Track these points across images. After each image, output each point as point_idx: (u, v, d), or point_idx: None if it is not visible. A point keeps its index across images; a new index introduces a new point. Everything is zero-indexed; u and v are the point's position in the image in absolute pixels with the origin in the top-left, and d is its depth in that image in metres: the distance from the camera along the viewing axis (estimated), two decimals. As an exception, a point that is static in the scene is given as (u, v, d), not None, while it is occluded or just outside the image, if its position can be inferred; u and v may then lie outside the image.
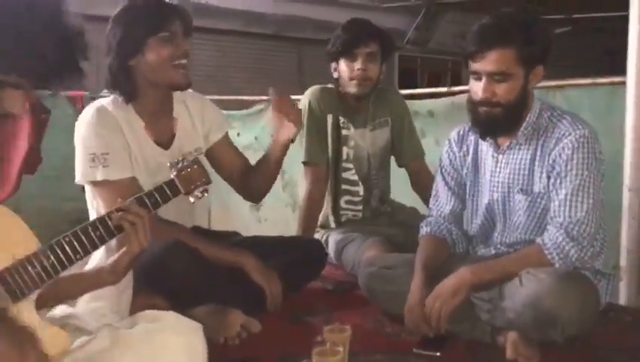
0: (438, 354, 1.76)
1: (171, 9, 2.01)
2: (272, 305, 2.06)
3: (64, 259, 1.28)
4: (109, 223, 1.37)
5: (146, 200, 1.47)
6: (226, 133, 2.28)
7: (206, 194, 1.63)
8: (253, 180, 2.24)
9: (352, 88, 2.60)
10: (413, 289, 1.89)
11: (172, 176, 1.55)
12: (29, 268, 1.23)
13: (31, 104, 3.67)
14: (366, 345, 1.81)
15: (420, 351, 1.78)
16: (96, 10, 3.03)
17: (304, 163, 2.67)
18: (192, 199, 1.60)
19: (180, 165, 1.57)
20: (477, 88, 1.85)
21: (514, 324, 1.74)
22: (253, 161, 2.30)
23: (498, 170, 1.96)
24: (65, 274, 1.33)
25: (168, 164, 1.57)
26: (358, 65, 2.55)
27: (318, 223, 2.73)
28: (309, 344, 1.55)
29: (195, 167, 1.59)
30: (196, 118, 2.19)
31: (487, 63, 1.80)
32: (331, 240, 2.64)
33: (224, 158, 2.25)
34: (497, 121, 1.86)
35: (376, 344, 1.88)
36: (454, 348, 1.81)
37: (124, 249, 1.42)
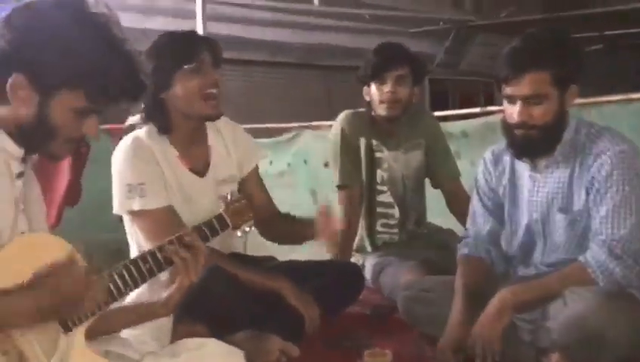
0: None
1: (199, 40, 2.05)
2: (310, 329, 2.05)
3: (114, 292, 1.30)
4: (159, 256, 1.38)
5: (182, 240, 1.47)
6: (256, 166, 2.28)
7: (252, 229, 1.65)
8: (276, 229, 2.23)
9: (382, 111, 2.61)
10: (454, 312, 1.86)
11: (221, 211, 1.57)
12: None
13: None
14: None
15: None
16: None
17: (338, 187, 2.68)
18: (239, 233, 1.62)
19: (228, 199, 1.59)
20: (512, 111, 1.82)
21: (558, 345, 1.69)
22: (285, 189, 2.30)
23: (536, 189, 1.93)
24: (113, 307, 1.36)
25: (218, 197, 1.59)
26: (387, 88, 2.57)
27: (354, 247, 2.72)
28: (349, 369, 1.54)
29: (243, 201, 1.62)
30: (230, 145, 2.21)
31: (521, 88, 1.77)
32: (368, 264, 2.63)
33: (252, 191, 2.22)
34: (535, 144, 1.83)
35: (417, 368, 1.86)
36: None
37: (176, 284, 1.43)
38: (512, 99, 1.82)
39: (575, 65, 1.81)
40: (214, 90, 2.03)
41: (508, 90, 1.81)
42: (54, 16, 1.22)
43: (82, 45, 1.21)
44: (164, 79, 2.00)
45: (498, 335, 1.75)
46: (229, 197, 1.59)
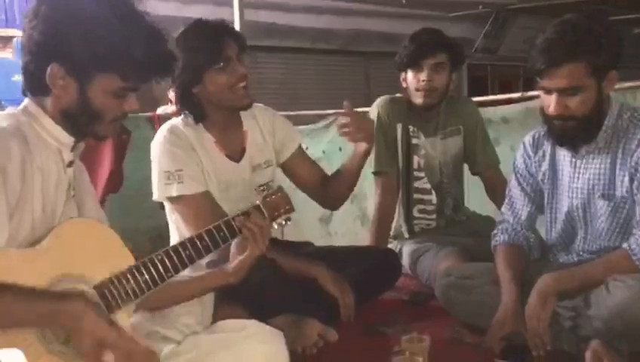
0: None
1: (224, 35, 2.05)
2: (346, 315, 2.07)
3: (156, 275, 1.34)
4: (234, 225, 1.51)
5: (233, 224, 1.53)
6: (299, 145, 2.31)
7: (289, 223, 1.67)
8: (334, 189, 2.28)
9: (418, 99, 2.58)
10: (507, 304, 1.83)
11: (258, 202, 1.60)
12: (125, 281, 1.30)
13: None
14: (445, 356, 1.79)
15: (501, 361, 1.73)
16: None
17: (374, 173, 2.68)
18: (275, 226, 1.64)
19: (265, 191, 1.62)
20: (549, 102, 1.78)
21: (601, 333, 1.67)
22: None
23: (577, 175, 1.89)
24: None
25: (254, 190, 1.62)
26: (423, 76, 2.54)
27: (391, 234, 2.72)
28: (387, 354, 1.55)
29: (280, 194, 1.64)
30: (266, 131, 2.23)
31: (557, 80, 1.73)
32: (405, 250, 2.62)
33: (301, 171, 2.29)
34: (574, 134, 1.80)
35: (455, 355, 1.85)
36: (538, 357, 1.75)
37: (248, 252, 1.55)
38: (548, 91, 1.78)
39: (613, 52, 1.75)
40: (243, 84, 2.06)
41: (544, 82, 1.77)
42: (78, 2, 1.27)
43: (108, 28, 1.26)
44: (193, 76, 2.03)
45: (546, 323, 1.74)
46: (265, 189, 1.61)
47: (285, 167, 2.29)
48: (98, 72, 1.28)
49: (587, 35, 1.72)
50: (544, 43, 1.75)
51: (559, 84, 1.73)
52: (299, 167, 2.28)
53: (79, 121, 1.32)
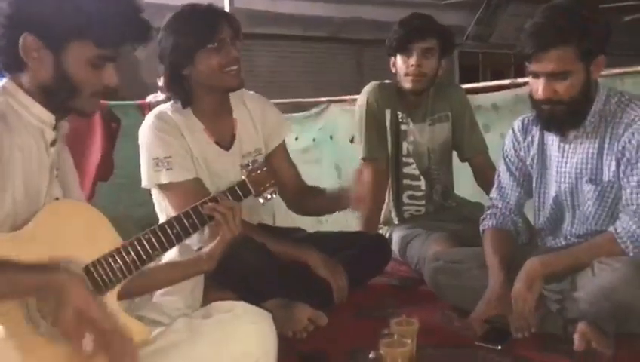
0: (499, 347, 1.73)
1: (219, 17, 2.03)
2: (339, 298, 2.08)
3: (144, 255, 1.35)
4: (201, 212, 1.46)
5: (219, 200, 1.52)
6: (283, 140, 2.29)
7: (275, 196, 1.67)
8: (310, 205, 2.25)
9: (407, 84, 2.58)
10: (493, 287, 1.85)
11: (243, 178, 1.60)
12: (112, 262, 1.30)
13: (102, 114, 3.91)
14: (433, 339, 1.81)
15: (482, 343, 1.76)
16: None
17: (364, 159, 2.68)
18: (261, 200, 1.64)
19: (250, 167, 1.62)
20: (537, 87, 1.79)
21: (587, 315, 1.69)
22: (310, 164, 2.31)
23: (565, 160, 1.91)
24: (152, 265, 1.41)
25: (239, 166, 1.61)
26: (412, 61, 2.53)
27: (381, 219, 2.73)
28: (376, 337, 1.56)
29: (265, 169, 1.64)
30: (257, 119, 2.22)
31: (545, 64, 1.74)
32: (395, 236, 2.63)
33: (278, 166, 2.23)
34: (562, 118, 1.81)
35: (443, 338, 1.87)
36: (523, 340, 1.77)
37: (219, 237, 1.52)
38: (536, 75, 1.79)
39: (601, 36, 1.76)
40: (235, 67, 2.04)
41: (532, 66, 1.78)
42: None
43: None
44: (184, 57, 2.01)
45: (531, 306, 1.76)
46: (250, 165, 1.61)
47: (266, 159, 2.26)
48: (72, 39, 1.26)
49: (575, 19, 1.73)
50: (533, 27, 1.76)
51: (548, 68, 1.74)
52: (277, 162, 2.23)
53: (58, 95, 1.30)
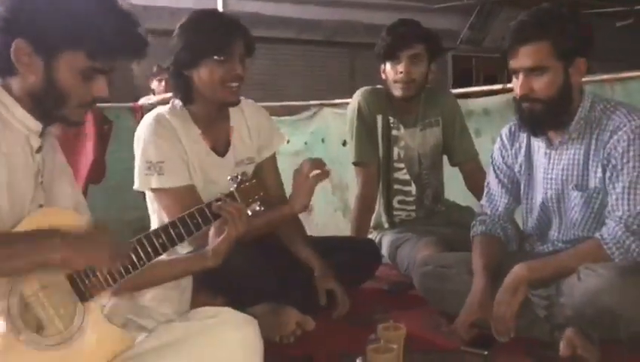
0: (485, 352, 1.73)
1: (235, 30, 2.02)
2: (341, 313, 2.11)
3: (135, 260, 1.34)
4: (208, 211, 1.50)
5: (206, 211, 1.53)
6: (274, 153, 2.29)
7: (262, 208, 1.68)
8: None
9: (396, 91, 2.59)
10: (475, 293, 1.87)
11: (231, 189, 1.61)
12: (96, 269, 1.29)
13: (94, 116, 3.90)
14: (421, 344, 1.81)
15: (468, 349, 1.76)
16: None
17: (355, 163, 2.69)
18: (249, 212, 1.65)
19: (239, 178, 1.63)
20: (516, 85, 1.82)
21: (573, 321, 1.70)
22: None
23: (551, 166, 1.92)
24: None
25: (228, 178, 1.62)
26: (400, 67, 2.54)
27: (372, 224, 2.74)
28: (364, 342, 1.57)
29: (254, 181, 1.64)
30: (252, 128, 2.22)
31: (522, 59, 1.78)
32: (385, 240, 2.65)
33: (265, 178, 2.19)
34: (540, 118, 1.83)
35: (431, 343, 1.88)
36: (510, 345, 1.79)
37: (225, 234, 1.55)
38: (516, 73, 1.82)
39: (580, 38, 1.78)
40: (236, 84, 2.04)
41: (512, 63, 1.81)
42: None
43: (77, 4, 1.24)
44: (190, 59, 2.01)
45: (514, 311, 1.77)
46: (239, 177, 1.62)
47: (255, 169, 2.25)
48: (64, 48, 1.25)
49: (554, 17, 1.78)
50: (514, 24, 1.81)
51: (524, 63, 1.78)
52: (265, 174, 2.22)
53: (45, 103, 1.29)
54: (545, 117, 1.82)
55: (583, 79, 1.91)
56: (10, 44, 1.24)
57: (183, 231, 1.44)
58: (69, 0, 1.24)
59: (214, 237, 1.57)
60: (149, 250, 1.36)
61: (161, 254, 1.39)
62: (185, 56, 2.00)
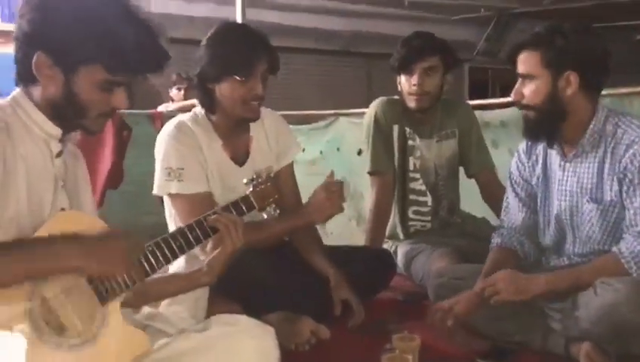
0: None
1: (258, 49, 2.03)
2: (357, 323, 2.11)
3: (147, 267, 1.37)
4: (205, 224, 1.48)
5: (204, 223, 1.52)
6: (291, 162, 2.30)
7: (278, 211, 1.69)
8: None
9: (411, 103, 2.61)
10: (471, 293, 1.87)
11: (247, 193, 1.61)
12: None
13: (114, 122, 3.94)
14: (436, 355, 1.81)
15: (483, 361, 1.76)
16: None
17: (370, 173, 2.70)
18: (264, 215, 1.66)
19: (254, 182, 1.64)
20: None
21: (589, 335, 1.70)
22: (316, 176, 2.32)
23: (565, 178, 1.92)
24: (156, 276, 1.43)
25: (244, 181, 1.63)
26: (414, 80, 2.55)
27: (387, 234, 2.74)
28: (379, 352, 1.57)
29: (269, 184, 1.65)
30: (271, 137, 2.24)
31: (518, 65, 1.88)
32: (400, 251, 2.65)
33: (281, 187, 2.17)
34: (533, 125, 1.89)
35: (446, 354, 1.87)
36: (525, 358, 1.78)
37: (219, 249, 1.52)
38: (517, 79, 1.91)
39: (570, 52, 1.81)
40: (256, 103, 2.06)
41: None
42: None
43: (96, 20, 1.26)
44: (214, 74, 2.04)
45: (509, 291, 1.76)
46: (254, 179, 1.63)
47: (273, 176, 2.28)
48: (83, 61, 1.27)
49: (549, 29, 1.84)
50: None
51: (519, 70, 1.88)
52: (281, 183, 2.20)
53: (65, 113, 1.31)
54: (536, 126, 1.89)
55: (602, 92, 1.93)
56: (31, 55, 1.26)
57: (183, 243, 1.43)
58: (89, 15, 1.26)
59: (211, 252, 1.56)
60: (168, 252, 1.39)
61: (171, 261, 1.41)
62: (209, 70, 2.03)
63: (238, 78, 2.01)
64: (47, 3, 1.27)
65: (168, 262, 1.40)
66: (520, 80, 1.88)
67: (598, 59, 1.84)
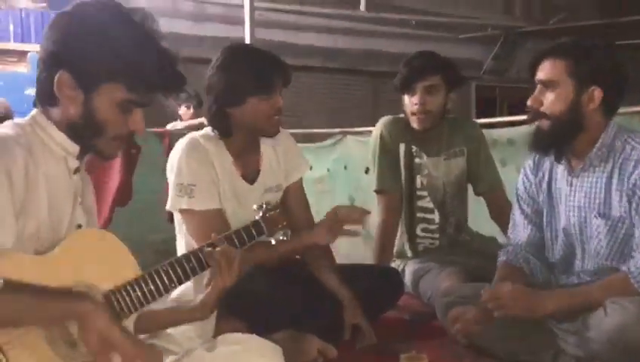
0: None
1: (276, 67, 2.08)
2: (364, 343, 2.10)
3: (161, 287, 1.38)
4: (201, 257, 1.46)
5: (234, 239, 1.56)
6: (300, 179, 2.31)
7: (287, 238, 1.69)
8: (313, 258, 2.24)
9: (413, 123, 2.61)
10: (475, 310, 1.87)
11: (257, 218, 1.62)
12: (131, 291, 1.33)
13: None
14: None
15: None
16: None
17: (376, 191, 2.70)
18: (273, 241, 1.67)
19: (264, 208, 1.65)
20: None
21: (599, 356, 1.68)
22: (324, 195, 2.33)
23: (572, 193, 1.91)
24: (154, 306, 1.42)
25: (254, 207, 1.64)
26: (415, 99, 2.56)
27: (395, 252, 2.73)
28: (386, 371, 1.56)
29: (279, 210, 1.67)
30: (280, 153, 2.25)
31: (540, 72, 1.86)
32: (408, 270, 2.64)
33: (291, 204, 2.25)
34: (544, 137, 1.87)
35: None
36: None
37: (212, 285, 1.50)
38: (533, 87, 1.89)
39: (598, 67, 1.81)
40: (278, 116, 2.10)
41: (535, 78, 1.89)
42: (93, 16, 1.30)
43: (118, 40, 1.29)
44: (235, 97, 2.06)
45: (516, 307, 1.76)
46: (264, 206, 1.64)
47: (282, 194, 2.27)
48: (105, 80, 1.30)
49: (576, 43, 1.85)
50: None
51: (540, 76, 1.86)
52: (291, 200, 2.26)
53: (82, 133, 1.33)
54: (550, 137, 1.86)
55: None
56: (54, 75, 1.29)
57: (181, 274, 1.43)
58: (112, 36, 1.29)
59: (206, 287, 1.54)
60: (180, 273, 1.40)
61: (183, 282, 1.42)
62: (228, 95, 2.05)
63: (263, 96, 2.04)
64: (72, 24, 1.30)
65: (167, 291, 1.39)
66: (539, 87, 1.86)
67: (623, 80, 1.85)
